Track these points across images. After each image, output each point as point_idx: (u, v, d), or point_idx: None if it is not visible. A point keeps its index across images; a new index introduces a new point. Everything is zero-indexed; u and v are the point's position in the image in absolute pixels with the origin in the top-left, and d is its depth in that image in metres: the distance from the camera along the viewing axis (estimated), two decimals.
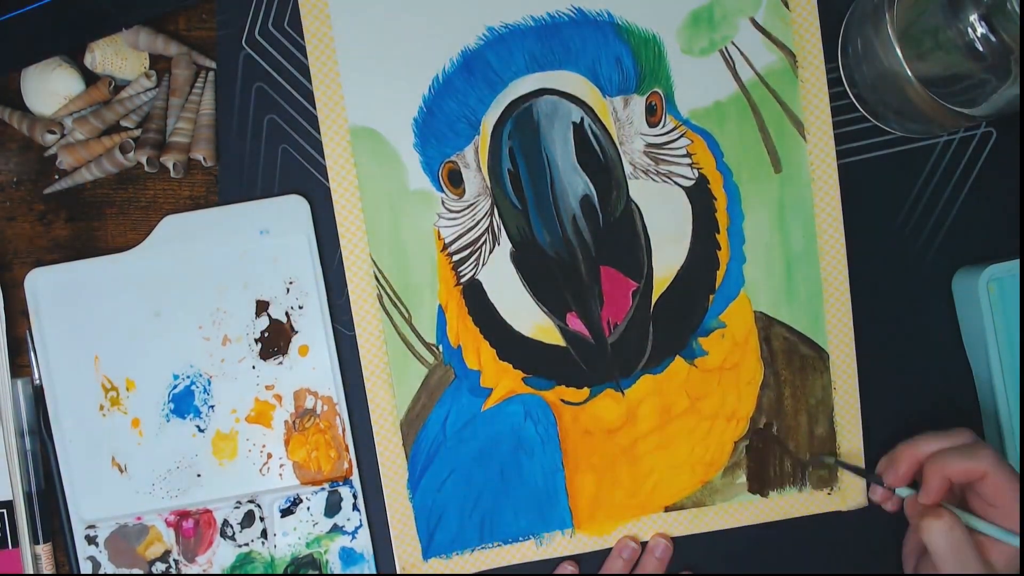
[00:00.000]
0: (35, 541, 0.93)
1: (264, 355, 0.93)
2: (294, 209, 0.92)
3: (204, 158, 0.92)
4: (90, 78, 0.94)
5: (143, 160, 0.92)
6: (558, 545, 0.94)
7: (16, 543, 0.93)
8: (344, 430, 0.93)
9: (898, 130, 0.93)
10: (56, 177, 0.94)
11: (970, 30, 0.76)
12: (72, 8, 0.87)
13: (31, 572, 0.93)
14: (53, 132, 0.92)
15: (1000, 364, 0.91)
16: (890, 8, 0.82)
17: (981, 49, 0.77)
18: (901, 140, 0.94)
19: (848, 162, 0.93)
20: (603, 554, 0.95)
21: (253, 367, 0.94)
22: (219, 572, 0.94)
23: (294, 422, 0.94)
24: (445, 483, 0.93)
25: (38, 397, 0.94)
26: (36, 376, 0.93)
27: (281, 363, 0.93)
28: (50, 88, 0.92)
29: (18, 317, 0.94)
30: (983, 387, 0.94)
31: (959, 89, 0.81)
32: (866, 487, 0.94)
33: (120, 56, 0.92)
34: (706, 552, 0.96)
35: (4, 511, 0.93)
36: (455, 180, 0.91)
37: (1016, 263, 0.90)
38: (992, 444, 0.93)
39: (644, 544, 0.95)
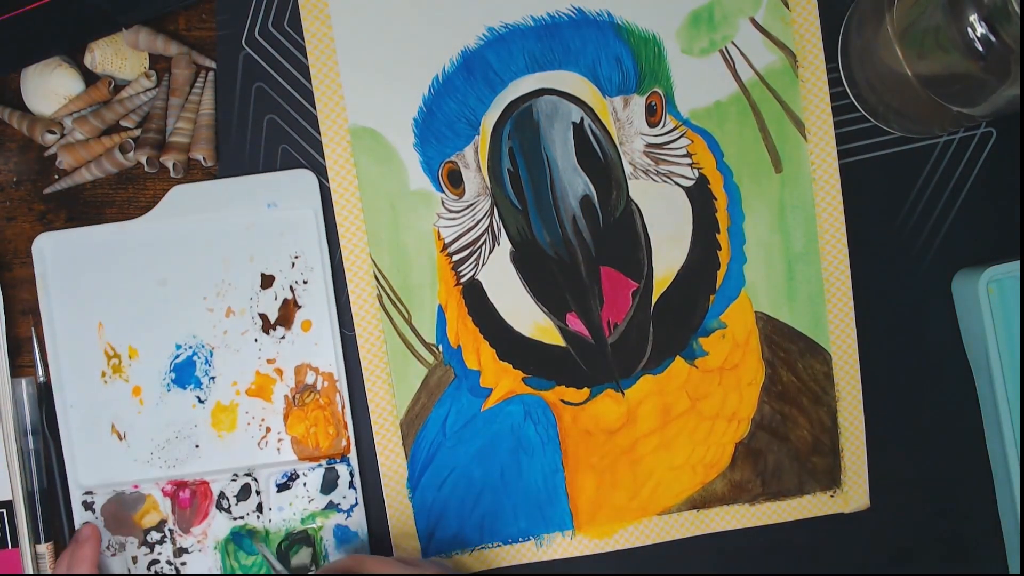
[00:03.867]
0: (36, 540, 0.92)
1: (267, 328, 0.93)
2: (302, 183, 0.91)
3: (204, 158, 0.91)
4: (90, 78, 0.93)
5: (143, 160, 0.91)
6: (558, 547, 0.94)
7: (16, 543, 0.92)
8: (344, 407, 0.93)
9: (898, 130, 0.92)
10: (56, 177, 0.93)
11: (970, 30, 0.75)
12: (72, 8, 0.86)
13: (31, 572, 0.92)
14: (53, 132, 0.91)
15: (1000, 364, 0.90)
16: (890, 8, 0.82)
17: (981, 49, 0.76)
18: (901, 140, 0.93)
19: (848, 162, 0.93)
20: (603, 558, 0.94)
21: (255, 340, 0.93)
22: (218, 572, 0.93)
23: (294, 397, 0.93)
24: (445, 483, 0.93)
25: (40, 393, 0.93)
26: (39, 370, 0.93)
27: (284, 337, 0.93)
28: (50, 88, 0.91)
29: (18, 317, 0.94)
30: (983, 387, 0.93)
31: (959, 89, 0.81)
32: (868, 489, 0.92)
33: (120, 56, 0.91)
34: (707, 554, 0.95)
35: (4, 511, 0.92)
36: (455, 180, 0.90)
37: (1016, 264, 0.89)
38: (992, 444, 0.93)
39: None
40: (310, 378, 0.93)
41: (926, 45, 0.80)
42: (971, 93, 0.80)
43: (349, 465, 0.93)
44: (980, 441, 0.94)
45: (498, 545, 0.93)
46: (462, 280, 0.91)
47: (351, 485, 0.93)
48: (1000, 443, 0.92)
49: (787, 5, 0.90)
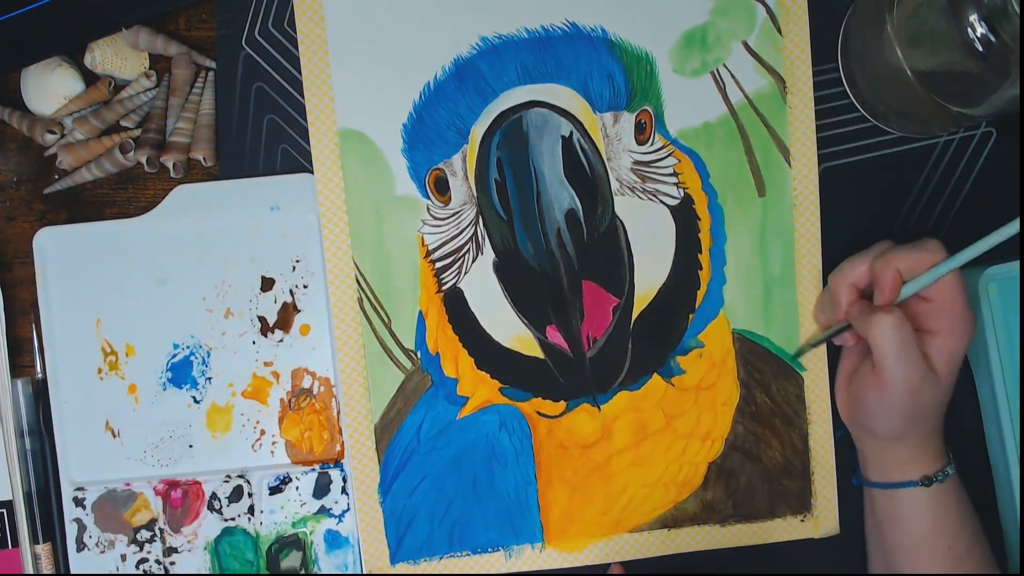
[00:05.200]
0: (35, 541, 0.91)
1: (265, 331, 0.91)
2: (306, 187, 0.90)
3: (204, 158, 0.90)
4: (90, 78, 0.92)
5: (143, 160, 0.90)
6: (528, 559, 0.92)
7: (16, 543, 0.91)
8: (339, 412, 0.91)
9: (898, 130, 0.91)
10: (56, 177, 0.93)
11: (970, 30, 0.74)
12: (72, 8, 0.85)
13: (31, 572, 0.91)
14: (53, 132, 0.91)
15: (1000, 364, 0.89)
16: (890, 8, 0.81)
17: (981, 49, 0.74)
18: (901, 140, 0.92)
19: (848, 162, 0.91)
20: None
21: (253, 342, 0.92)
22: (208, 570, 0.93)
23: (290, 401, 0.92)
24: (417, 489, 0.91)
25: (37, 392, 0.92)
26: (37, 365, 0.92)
27: (282, 340, 0.92)
28: (50, 88, 0.90)
29: (18, 317, 0.93)
30: (983, 387, 0.91)
31: (959, 89, 0.79)
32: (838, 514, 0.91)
33: (120, 56, 0.91)
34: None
35: (4, 511, 0.91)
36: (441, 187, 0.89)
37: (1016, 264, 0.87)
38: (992, 444, 0.91)
39: None
40: (306, 382, 0.92)
41: (926, 45, 0.79)
42: (971, 93, 0.79)
43: (342, 470, 0.92)
44: (980, 441, 0.92)
45: (467, 554, 0.91)
46: (444, 288, 0.89)
47: (343, 491, 0.92)
48: (1000, 443, 0.90)
49: (779, 31, 0.88)
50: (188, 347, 0.91)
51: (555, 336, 0.88)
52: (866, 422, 0.83)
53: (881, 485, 0.85)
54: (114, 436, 0.91)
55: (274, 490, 0.91)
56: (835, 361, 0.90)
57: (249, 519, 0.92)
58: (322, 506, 0.92)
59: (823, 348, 0.90)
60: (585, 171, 0.86)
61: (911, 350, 0.77)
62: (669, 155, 0.88)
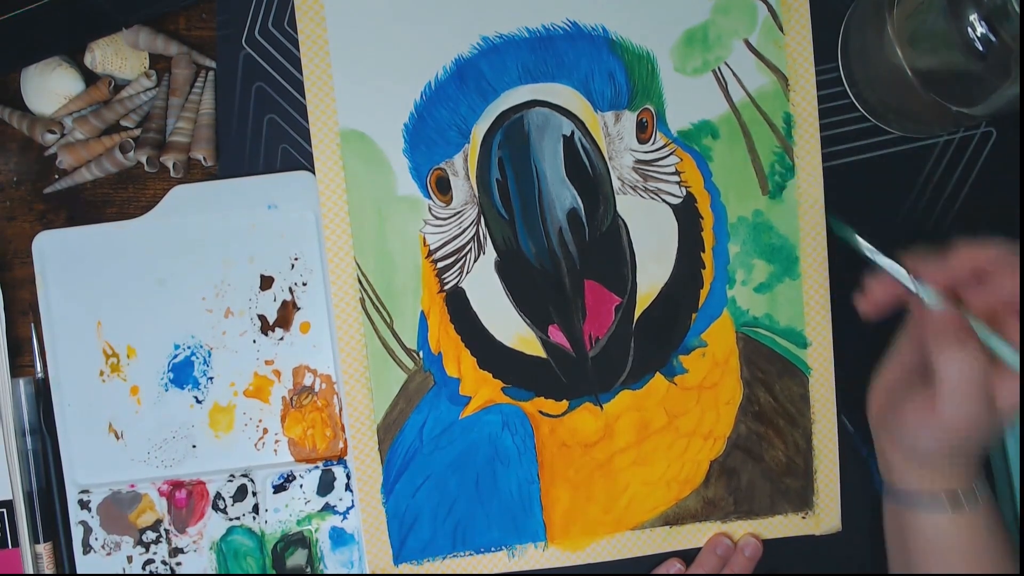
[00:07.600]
0: (35, 540, 0.91)
1: (265, 329, 0.91)
2: (303, 185, 0.90)
3: (204, 158, 0.90)
4: (90, 78, 0.92)
5: (143, 160, 0.89)
6: (531, 558, 0.91)
7: (16, 543, 0.91)
8: (341, 410, 0.91)
9: (898, 130, 0.90)
10: (56, 177, 0.92)
11: (970, 30, 0.74)
12: (72, 8, 0.85)
13: (31, 572, 0.91)
14: (53, 132, 0.90)
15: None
16: (890, 8, 0.80)
17: (981, 49, 0.74)
18: (901, 140, 0.91)
19: (848, 162, 0.91)
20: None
21: (254, 341, 0.91)
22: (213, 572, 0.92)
23: (292, 398, 0.91)
24: (419, 489, 0.90)
25: (38, 391, 0.92)
26: (37, 365, 0.92)
27: (282, 339, 0.91)
28: (50, 88, 0.90)
29: (18, 317, 0.92)
30: None
31: (959, 89, 0.79)
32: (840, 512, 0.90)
33: (120, 56, 0.90)
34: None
35: (4, 511, 0.91)
36: (443, 187, 0.88)
37: None
38: (992, 445, 0.91)
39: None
40: (308, 380, 0.91)
41: (926, 45, 0.79)
42: (971, 93, 0.79)
43: (346, 467, 0.91)
44: None
45: (470, 554, 0.91)
46: (446, 287, 0.88)
47: (347, 487, 0.91)
48: (1000, 443, 0.90)
49: (781, 29, 0.88)
50: (189, 347, 0.91)
51: (557, 335, 0.87)
52: (902, 438, 0.77)
53: (908, 503, 0.78)
54: (117, 438, 0.91)
55: (278, 488, 0.91)
56: (843, 361, 0.90)
57: (254, 518, 0.91)
58: (326, 503, 0.91)
59: (830, 348, 0.89)
60: (587, 170, 0.86)
61: (979, 391, 0.70)
62: (671, 154, 0.87)
